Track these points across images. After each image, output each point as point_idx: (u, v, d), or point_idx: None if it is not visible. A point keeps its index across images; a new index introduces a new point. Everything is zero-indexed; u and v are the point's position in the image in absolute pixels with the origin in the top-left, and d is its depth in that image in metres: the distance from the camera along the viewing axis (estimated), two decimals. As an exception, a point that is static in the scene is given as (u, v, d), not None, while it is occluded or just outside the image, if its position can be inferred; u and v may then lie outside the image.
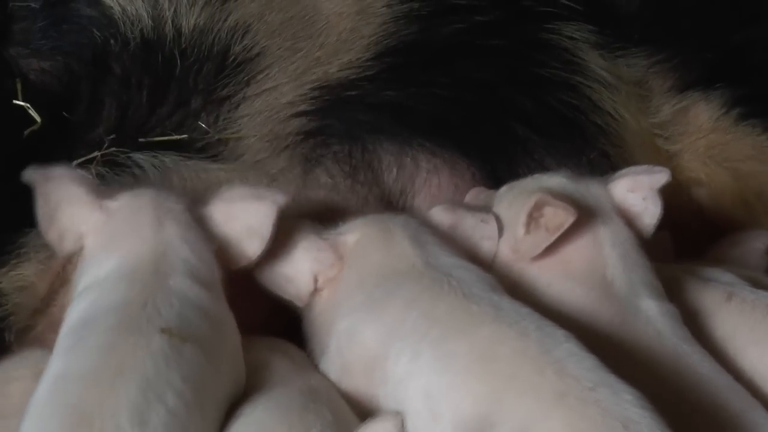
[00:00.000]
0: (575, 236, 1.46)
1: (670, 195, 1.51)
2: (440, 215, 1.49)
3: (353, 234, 1.43)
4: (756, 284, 1.61)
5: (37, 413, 1.31)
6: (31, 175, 1.35)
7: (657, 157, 1.69)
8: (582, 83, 1.66)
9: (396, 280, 1.41)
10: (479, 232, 1.47)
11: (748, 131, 1.79)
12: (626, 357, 1.44)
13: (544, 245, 1.45)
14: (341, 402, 1.42)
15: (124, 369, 1.31)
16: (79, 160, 1.51)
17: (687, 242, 1.66)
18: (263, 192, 1.39)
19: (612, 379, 1.30)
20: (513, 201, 1.51)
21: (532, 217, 1.43)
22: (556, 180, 1.55)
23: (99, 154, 1.51)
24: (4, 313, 1.51)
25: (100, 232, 1.44)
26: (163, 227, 1.41)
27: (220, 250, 1.43)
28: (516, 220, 1.47)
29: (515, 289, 1.45)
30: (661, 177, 1.49)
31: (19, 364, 1.50)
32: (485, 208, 1.51)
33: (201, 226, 1.43)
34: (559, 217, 1.42)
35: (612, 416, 1.26)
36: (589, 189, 1.54)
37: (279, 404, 1.40)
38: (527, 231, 1.43)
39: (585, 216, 1.45)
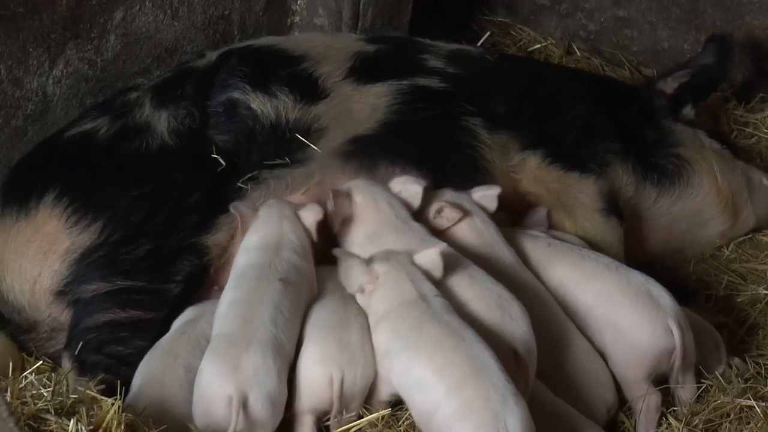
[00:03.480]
0: (465, 217, 2.67)
1: (516, 199, 2.87)
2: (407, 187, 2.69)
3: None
4: (556, 237, 2.77)
5: (221, 319, 2.39)
6: (235, 207, 2.59)
7: (510, 181, 2.91)
8: (478, 145, 2.90)
9: (381, 230, 2.58)
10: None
11: (553, 169, 2.95)
12: (490, 267, 2.54)
13: (447, 225, 2.64)
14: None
15: (263, 298, 2.37)
16: (243, 179, 2.72)
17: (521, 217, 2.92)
18: (313, 207, 2.62)
19: (481, 271, 2.45)
20: (432, 203, 2.69)
21: (437, 212, 2.64)
22: (452, 193, 2.71)
23: (249, 175, 2.73)
24: (209, 258, 2.67)
25: (254, 224, 2.59)
26: (282, 224, 2.57)
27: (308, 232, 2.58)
28: (430, 213, 2.67)
29: (441, 237, 2.62)
30: (496, 190, 2.73)
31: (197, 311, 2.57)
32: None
33: (299, 221, 2.59)
34: (455, 213, 2.64)
35: (483, 289, 2.41)
36: (462, 196, 2.69)
37: (334, 302, 2.49)
38: (433, 218, 2.63)
39: (465, 209, 2.67)
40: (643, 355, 2.49)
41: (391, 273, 2.40)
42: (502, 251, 2.64)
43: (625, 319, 2.51)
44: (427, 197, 2.71)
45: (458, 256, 2.51)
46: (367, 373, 2.34)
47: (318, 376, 2.33)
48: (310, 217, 2.61)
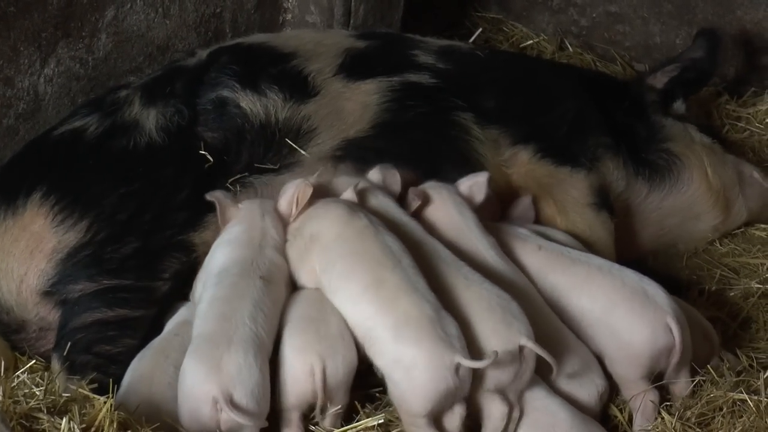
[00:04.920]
0: (442, 208, 2.70)
1: (507, 193, 2.90)
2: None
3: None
4: (543, 235, 2.76)
5: (202, 317, 2.40)
6: (213, 194, 2.59)
7: (502, 175, 2.93)
8: (469, 139, 2.91)
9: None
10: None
11: (544, 163, 2.96)
12: (467, 259, 2.54)
13: (412, 209, 2.66)
14: None
15: (244, 295, 2.42)
16: (232, 179, 2.73)
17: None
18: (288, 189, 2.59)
19: (477, 273, 2.45)
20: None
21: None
22: (433, 183, 2.72)
23: (239, 176, 2.74)
24: (197, 256, 2.67)
25: (236, 217, 2.61)
26: (264, 219, 2.57)
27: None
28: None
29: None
30: (484, 176, 2.74)
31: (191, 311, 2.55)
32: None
33: (279, 216, 2.59)
34: (416, 201, 2.65)
35: (482, 290, 2.41)
36: (447, 187, 2.70)
37: (310, 295, 2.50)
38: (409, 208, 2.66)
39: (427, 195, 2.69)
40: (642, 355, 2.48)
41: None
42: (481, 243, 2.63)
43: (623, 320, 2.50)
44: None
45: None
46: (348, 362, 2.32)
47: (299, 366, 2.31)
48: (288, 197, 2.61)
